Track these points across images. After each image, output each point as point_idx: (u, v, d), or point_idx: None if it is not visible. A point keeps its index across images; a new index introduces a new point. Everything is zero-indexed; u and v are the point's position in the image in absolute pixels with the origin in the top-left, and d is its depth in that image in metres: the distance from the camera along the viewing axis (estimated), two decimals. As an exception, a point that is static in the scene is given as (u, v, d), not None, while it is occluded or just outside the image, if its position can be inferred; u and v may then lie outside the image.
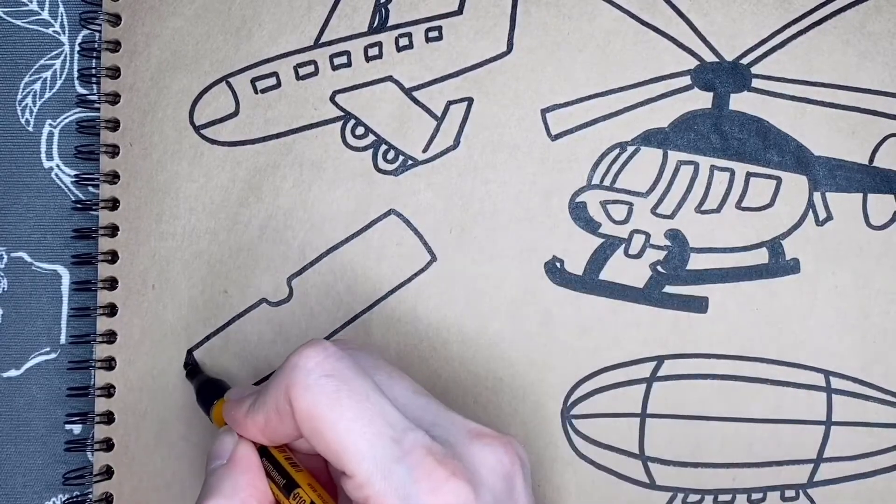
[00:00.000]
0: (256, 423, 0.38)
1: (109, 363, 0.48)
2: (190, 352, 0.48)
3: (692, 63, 0.47)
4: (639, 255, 0.47)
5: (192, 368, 0.47)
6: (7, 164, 0.50)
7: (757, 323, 0.47)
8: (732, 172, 0.47)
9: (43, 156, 0.50)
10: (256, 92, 0.48)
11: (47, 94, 0.50)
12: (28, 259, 0.49)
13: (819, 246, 0.47)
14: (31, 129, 0.50)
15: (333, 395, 0.35)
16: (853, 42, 0.47)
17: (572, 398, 0.47)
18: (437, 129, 0.48)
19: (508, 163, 0.47)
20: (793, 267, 0.47)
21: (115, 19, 0.48)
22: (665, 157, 0.47)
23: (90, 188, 0.49)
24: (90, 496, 0.48)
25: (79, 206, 0.49)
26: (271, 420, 0.37)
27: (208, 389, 0.44)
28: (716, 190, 0.47)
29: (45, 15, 0.50)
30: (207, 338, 0.48)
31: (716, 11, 0.47)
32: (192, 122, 0.48)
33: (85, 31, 0.50)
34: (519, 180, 0.47)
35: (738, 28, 0.47)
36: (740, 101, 0.47)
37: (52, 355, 0.49)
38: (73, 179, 0.49)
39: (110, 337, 0.48)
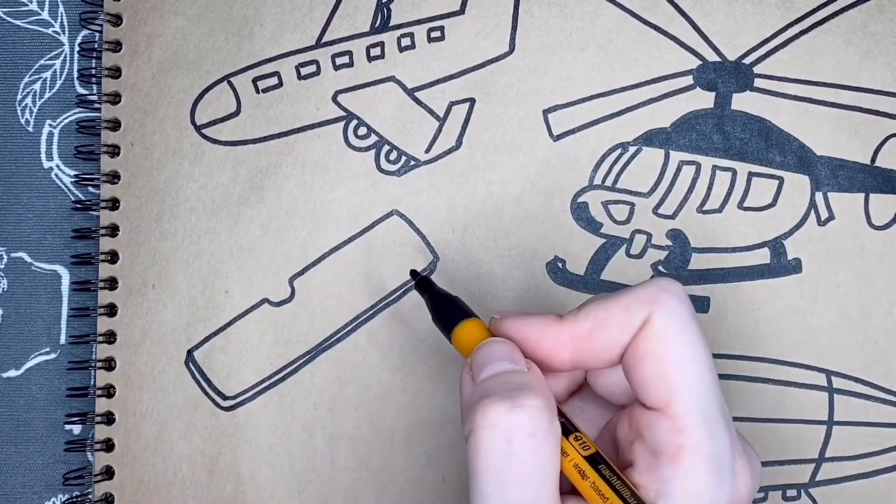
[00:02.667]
0: (577, 329, 0.36)
1: (109, 363, 0.48)
2: (414, 272, 0.43)
3: (694, 63, 0.47)
4: (640, 256, 0.47)
5: (421, 280, 0.42)
6: (7, 164, 0.49)
7: (759, 323, 0.47)
8: (734, 172, 0.47)
9: (43, 156, 0.50)
10: (258, 91, 0.48)
11: (47, 95, 0.50)
12: (28, 259, 0.49)
13: (821, 246, 0.47)
14: (30, 129, 0.50)
15: (695, 333, 0.34)
16: (855, 42, 0.47)
17: (574, 398, 0.47)
18: (439, 130, 0.48)
19: (510, 163, 0.47)
20: (795, 267, 0.47)
21: (117, 19, 0.48)
22: (667, 157, 0.47)
23: (90, 188, 0.49)
24: (90, 496, 0.48)
25: (78, 206, 0.49)
26: (604, 328, 0.35)
27: (447, 308, 0.40)
28: (718, 190, 0.47)
29: (45, 15, 0.50)
30: (208, 338, 0.48)
31: (718, 11, 0.47)
32: (193, 122, 0.48)
33: (85, 32, 0.50)
34: (521, 181, 0.47)
35: (740, 28, 0.47)
36: (742, 101, 0.47)
37: (52, 355, 0.49)
38: (73, 179, 0.49)
39: (110, 337, 0.48)
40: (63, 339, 0.49)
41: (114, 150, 0.48)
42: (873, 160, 0.47)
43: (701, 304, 0.47)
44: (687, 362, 0.34)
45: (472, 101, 0.48)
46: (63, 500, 0.49)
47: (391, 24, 0.48)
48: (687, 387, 0.34)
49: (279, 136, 0.48)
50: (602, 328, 0.35)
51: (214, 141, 0.48)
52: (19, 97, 0.50)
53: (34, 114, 0.50)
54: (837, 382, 0.47)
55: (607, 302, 0.35)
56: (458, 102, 0.48)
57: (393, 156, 0.48)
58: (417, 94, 0.48)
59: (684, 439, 0.33)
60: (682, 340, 0.34)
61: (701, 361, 0.34)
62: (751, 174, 0.47)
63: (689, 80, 0.47)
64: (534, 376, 0.35)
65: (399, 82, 0.48)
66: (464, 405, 0.35)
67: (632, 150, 0.47)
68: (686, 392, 0.34)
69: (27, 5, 0.50)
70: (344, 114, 0.48)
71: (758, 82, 0.47)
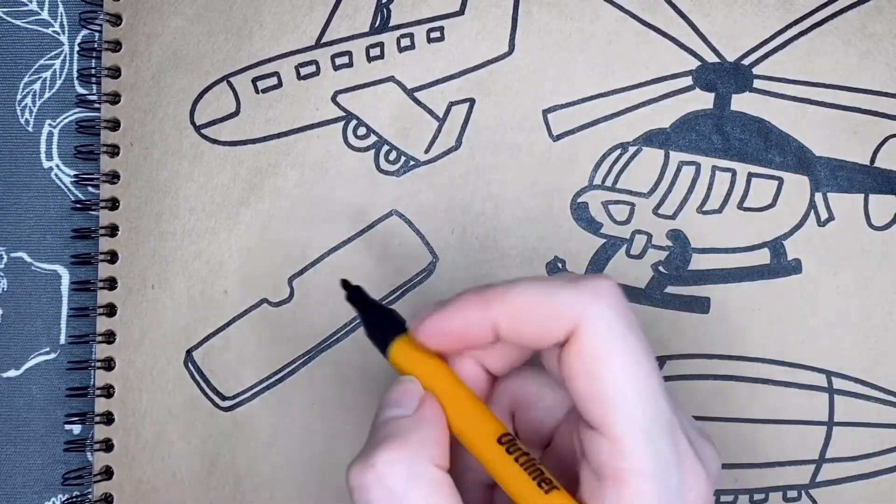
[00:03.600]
0: (501, 315, 0.33)
1: (109, 363, 0.48)
2: (346, 283, 0.40)
3: (694, 63, 0.47)
4: (640, 256, 0.47)
5: (353, 292, 0.40)
6: (7, 164, 0.49)
7: (759, 323, 0.47)
8: (734, 173, 0.47)
9: (42, 156, 0.50)
10: (257, 92, 0.48)
11: (47, 94, 0.50)
12: (28, 259, 0.49)
13: (821, 246, 0.47)
14: (30, 129, 0.50)
15: (634, 341, 0.32)
16: (854, 43, 0.47)
17: None
18: (438, 130, 0.48)
19: (510, 163, 0.47)
20: (794, 267, 0.47)
21: (116, 19, 0.48)
22: (667, 157, 0.47)
23: (90, 188, 0.49)
24: (90, 496, 0.48)
25: (78, 206, 0.49)
26: (526, 318, 0.32)
27: (382, 322, 0.38)
28: (717, 190, 0.47)
29: (45, 15, 0.50)
30: (207, 338, 0.48)
31: (717, 12, 0.47)
32: (192, 122, 0.48)
33: (84, 31, 0.50)
34: (520, 181, 0.47)
35: (739, 29, 0.47)
36: (742, 102, 0.47)
37: (52, 355, 0.49)
38: (73, 179, 0.49)
39: (110, 337, 0.48)
40: (63, 339, 0.49)
41: (113, 150, 0.48)
42: (872, 161, 0.47)
43: (701, 305, 0.47)
44: (624, 378, 0.31)
45: (471, 101, 0.48)
46: (63, 500, 0.49)
47: (391, 24, 0.48)
48: (625, 405, 0.31)
49: (279, 136, 0.48)
50: (524, 324, 0.33)
51: (214, 141, 0.48)
52: (19, 97, 0.49)
53: (34, 113, 0.50)
54: (838, 383, 0.47)
55: (534, 292, 0.33)
56: (457, 103, 0.48)
57: (392, 156, 0.48)
58: (417, 95, 0.48)
59: (626, 462, 0.31)
60: (616, 356, 0.31)
61: (641, 372, 0.31)
62: (750, 175, 0.47)
63: (688, 80, 0.47)
64: (412, 420, 0.34)
65: (399, 83, 0.48)
66: None
67: (632, 150, 0.47)
68: (625, 411, 0.31)
69: (27, 5, 0.50)
70: (343, 114, 0.48)
71: (757, 83, 0.47)
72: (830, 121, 0.47)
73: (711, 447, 0.34)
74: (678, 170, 0.47)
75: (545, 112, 0.47)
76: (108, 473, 0.47)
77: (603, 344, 0.31)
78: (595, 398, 0.31)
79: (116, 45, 0.48)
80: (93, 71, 0.49)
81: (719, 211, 0.47)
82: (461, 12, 0.48)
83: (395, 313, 0.38)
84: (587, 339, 0.31)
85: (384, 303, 0.47)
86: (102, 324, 0.48)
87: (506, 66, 0.48)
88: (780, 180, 0.47)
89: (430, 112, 0.48)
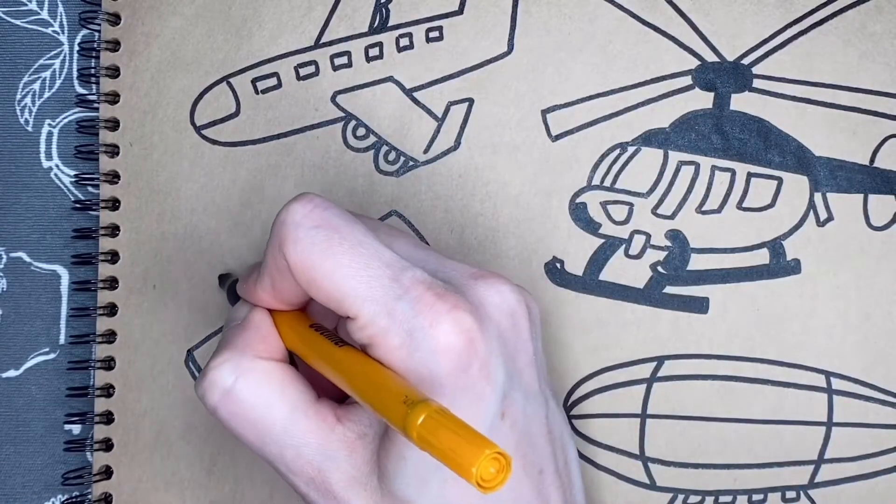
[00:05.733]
0: (265, 288, 0.38)
1: (109, 363, 0.48)
2: (222, 275, 0.48)
3: (693, 63, 0.47)
4: (639, 256, 0.47)
5: (223, 276, 0.48)
6: (6, 164, 0.49)
7: (758, 323, 0.47)
8: (733, 173, 0.47)
9: (42, 156, 0.50)
10: (257, 92, 0.48)
11: (46, 94, 0.50)
12: (27, 259, 0.49)
13: (820, 246, 0.47)
14: (30, 128, 0.50)
15: (324, 244, 0.35)
16: (854, 42, 0.47)
17: (572, 398, 0.47)
18: (437, 130, 0.48)
19: (509, 163, 0.47)
20: (794, 267, 0.47)
21: (115, 19, 0.48)
22: (666, 157, 0.47)
23: (89, 188, 0.49)
24: (89, 496, 0.48)
25: (78, 206, 0.49)
26: (275, 280, 0.37)
27: (235, 287, 0.44)
28: (717, 190, 0.47)
29: (45, 14, 0.50)
30: (208, 338, 0.48)
31: (717, 11, 0.47)
32: (192, 123, 0.48)
33: (84, 31, 0.50)
34: (519, 181, 0.47)
35: (739, 28, 0.47)
36: (741, 102, 0.47)
37: (52, 355, 0.49)
38: (73, 179, 0.49)
39: (110, 337, 0.48)
40: (62, 339, 0.49)
41: (113, 150, 0.48)
42: (872, 161, 0.47)
43: (700, 305, 0.47)
44: (331, 273, 0.35)
45: (470, 101, 0.48)
46: (62, 500, 0.49)
47: (390, 24, 0.48)
48: (345, 292, 0.35)
49: (278, 136, 0.48)
50: (276, 284, 0.38)
51: (214, 142, 0.48)
52: (18, 97, 0.50)
53: (33, 113, 0.50)
54: (837, 384, 0.47)
55: (265, 257, 0.38)
56: (456, 102, 0.48)
57: (392, 156, 0.48)
58: (416, 95, 0.48)
59: (368, 330, 0.35)
60: (315, 260, 0.35)
61: (345, 258, 0.35)
62: (750, 174, 0.47)
63: (687, 80, 0.47)
64: (239, 327, 0.39)
65: (397, 83, 0.48)
66: None
67: (630, 150, 0.47)
68: (347, 296, 0.35)
69: (26, 5, 0.50)
70: (343, 114, 0.48)
71: (756, 83, 0.47)
72: (830, 121, 0.47)
73: (495, 287, 0.38)
74: (677, 170, 0.47)
75: (544, 112, 0.47)
76: (107, 473, 0.48)
77: (302, 256, 0.35)
78: (328, 298, 0.35)
79: (115, 45, 0.48)
80: (93, 71, 0.49)
81: (718, 211, 0.47)
82: (460, 12, 0.48)
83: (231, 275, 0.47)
84: (291, 260, 0.36)
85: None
86: (103, 323, 0.48)
87: (505, 66, 0.48)
88: (780, 180, 0.47)
89: (429, 112, 0.48)
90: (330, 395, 0.39)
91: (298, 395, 0.38)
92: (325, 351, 0.37)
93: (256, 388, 0.37)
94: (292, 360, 0.40)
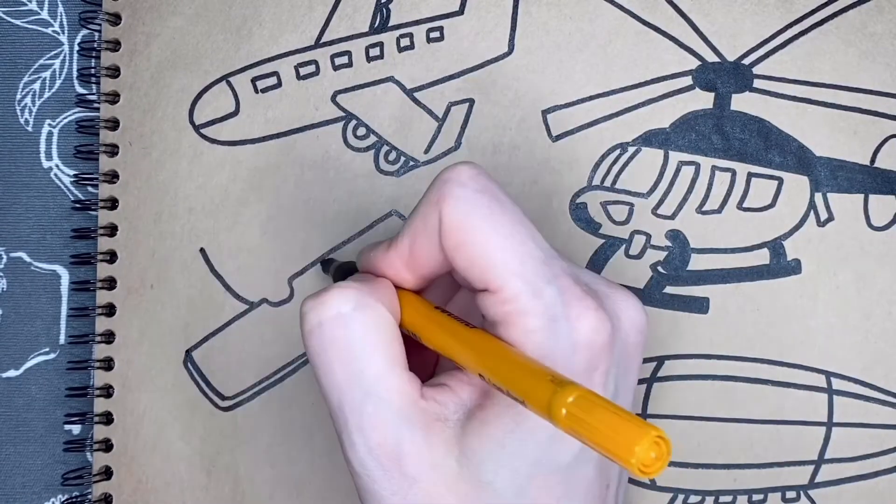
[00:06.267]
0: (400, 251, 0.37)
1: (108, 363, 0.48)
2: (325, 261, 0.47)
3: (693, 63, 0.47)
4: (639, 256, 0.47)
5: (326, 262, 0.47)
6: (6, 164, 0.49)
7: (758, 324, 0.47)
8: (734, 173, 0.47)
9: (42, 156, 0.50)
10: (257, 91, 0.48)
11: (46, 94, 0.50)
12: (27, 259, 0.49)
13: (820, 247, 0.47)
14: (30, 128, 0.50)
15: (487, 208, 0.35)
16: (854, 43, 0.47)
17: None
18: (438, 130, 0.48)
19: (509, 164, 0.47)
20: (794, 267, 0.47)
21: (115, 18, 0.48)
22: (666, 157, 0.47)
23: (89, 188, 0.49)
24: (89, 496, 0.48)
25: (78, 205, 0.49)
26: (416, 241, 0.36)
27: (345, 272, 0.43)
28: (717, 190, 0.47)
29: (45, 14, 0.50)
30: (206, 338, 0.48)
31: (717, 11, 0.47)
32: (192, 122, 0.48)
33: (84, 31, 0.50)
34: (520, 181, 0.47)
35: (739, 28, 0.47)
36: (742, 102, 0.47)
37: (52, 355, 0.49)
38: (73, 179, 0.49)
39: (109, 337, 0.48)
40: (62, 339, 0.49)
41: (112, 150, 0.48)
42: (872, 161, 0.47)
43: (700, 305, 0.47)
44: (487, 239, 0.35)
45: (471, 101, 0.48)
46: (62, 500, 0.49)
47: (390, 24, 0.48)
48: (495, 262, 0.34)
49: (278, 136, 0.48)
50: (415, 245, 0.37)
51: (213, 141, 0.48)
52: (19, 97, 0.49)
53: (33, 113, 0.49)
54: (837, 384, 0.47)
55: (411, 218, 0.37)
56: (457, 103, 0.48)
57: (392, 156, 0.48)
58: (416, 95, 0.48)
59: (509, 306, 0.34)
60: (474, 222, 0.35)
61: (503, 230, 0.35)
62: (750, 175, 0.47)
63: (688, 80, 0.47)
64: (367, 277, 0.38)
65: (398, 83, 0.48)
66: None
67: (631, 150, 0.47)
68: (496, 267, 0.34)
69: (26, 5, 0.50)
70: (343, 114, 0.48)
71: (757, 83, 0.47)
72: (830, 121, 0.47)
73: (632, 301, 0.38)
74: (677, 170, 0.47)
75: (544, 112, 0.47)
76: (107, 473, 0.47)
77: (462, 216, 0.35)
78: (472, 265, 0.35)
79: (115, 45, 0.48)
80: (93, 71, 0.49)
81: (719, 211, 0.47)
82: (461, 12, 0.48)
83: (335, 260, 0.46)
84: (447, 217, 0.35)
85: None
86: (101, 324, 0.48)
87: (505, 67, 0.48)
88: (780, 180, 0.47)
89: (430, 112, 0.48)
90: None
91: (400, 354, 0.36)
92: (454, 330, 0.36)
93: (371, 325, 0.36)
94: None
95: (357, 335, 0.35)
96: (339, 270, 0.44)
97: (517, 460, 0.35)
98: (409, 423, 0.35)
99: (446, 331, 0.36)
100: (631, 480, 0.47)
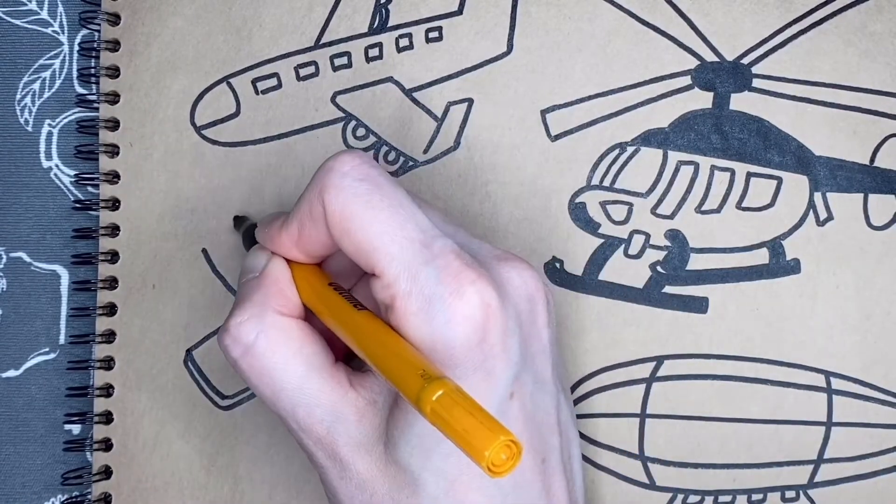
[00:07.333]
0: (290, 234, 0.39)
1: (108, 363, 0.48)
2: (238, 217, 0.48)
3: (693, 63, 0.47)
4: (638, 256, 0.47)
5: (239, 218, 0.48)
6: (6, 164, 0.49)
7: (757, 323, 0.47)
8: (733, 172, 0.47)
9: (42, 156, 0.50)
10: (257, 92, 0.48)
11: (46, 94, 0.50)
12: (27, 259, 0.49)
13: (820, 246, 0.47)
14: (30, 128, 0.50)
15: (366, 196, 0.36)
16: (854, 42, 0.47)
17: (571, 398, 0.47)
18: (437, 130, 0.48)
19: (508, 163, 0.47)
20: (793, 267, 0.47)
21: (115, 19, 0.48)
22: (665, 157, 0.47)
23: (89, 188, 0.49)
24: (89, 496, 0.48)
25: (78, 205, 0.49)
26: (304, 226, 0.38)
27: (252, 234, 0.44)
28: (716, 190, 0.47)
29: (45, 14, 0.50)
30: (207, 337, 0.48)
31: (716, 11, 0.47)
32: (192, 123, 0.48)
33: (84, 31, 0.50)
34: (519, 181, 0.47)
35: (738, 28, 0.47)
36: (741, 101, 0.47)
37: (52, 355, 0.49)
38: (73, 179, 0.49)
39: (109, 337, 0.48)
40: (62, 339, 0.49)
41: (113, 150, 0.48)
42: (872, 160, 0.47)
43: (699, 305, 0.47)
44: (368, 226, 0.36)
45: (470, 101, 0.48)
46: (62, 500, 0.49)
47: (389, 24, 0.48)
48: (376, 247, 0.36)
49: (278, 137, 0.48)
50: (304, 230, 0.38)
51: (214, 142, 0.48)
52: (18, 97, 0.50)
53: (33, 113, 0.50)
54: (836, 383, 0.47)
55: (298, 204, 0.38)
56: (456, 103, 0.48)
57: (391, 156, 0.48)
58: (416, 95, 0.48)
59: (392, 290, 0.36)
60: (355, 210, 0.36)
61: (383, 214, 0.36)
62: (749, 174, 0.47)
63: (687, 80, 0.47)
64: (258, 280, 0.40)
65: (397, 83, 0.48)
66: None
67: (630, 150, 0.47)
68: (377, 251, 0.36)
69: (26, 5, 0.50)
70: (343, 115, 0.48)
71: (756, 82, 0.47)
72: (830, 120, 0.47)
73: (517, 270, 0.38)
74: (676, 169, 0.47)
75: (543, 112, 0.47)
76: (107, 473, 0.48)
77: (343, 205, 0.36)
78: (358, 250, 0.36)
79: (115, 45, 0.48)
80: (93, 71, 0.49)
81: (718, 211, 0.47)
82: (459, 12, 0.48)
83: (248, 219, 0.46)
84: (330, 206, 0.36)
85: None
86: (102, 323, 0.48)
87: (504, 66, 0.48)
88: (779, 180, 0.47)
89: (429, 112, 0.48)
90: (343, 351, 0.40)
91: (315, 355, 0.38)
92: (343, 313, 0.37)
93: (276, 345, 0.38)
94: (307, 313, 0.40)
95: (267, 360, 0.38)
96: (248, 232, 0.45)
97: (427, 442, 0.36)
98: (339, 417, 0.38)
99: (335, 313, 0.37)
100: (630, 480, 0.47)
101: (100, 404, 0.48)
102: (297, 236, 0.39)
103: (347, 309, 0.37)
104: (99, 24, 0.49)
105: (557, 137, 0.47)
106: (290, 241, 0.39)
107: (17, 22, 0.50)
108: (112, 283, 0.48)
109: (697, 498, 0.47)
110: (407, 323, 0.35)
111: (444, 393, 0.30)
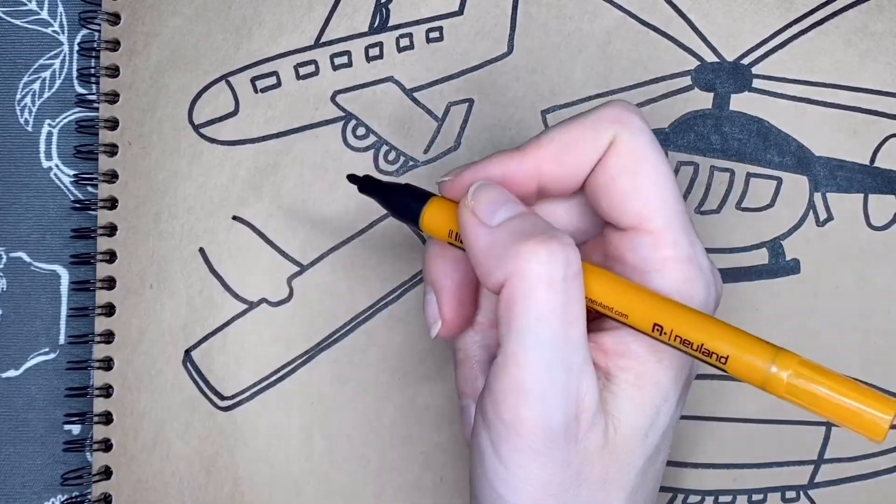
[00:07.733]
0: (543, 155, 0.35)
1: (107, 363, 0.48)
2: (353, 176, 0.39)
3: (693, 63, 0.47)
4: (639, 256, 0.47)
5: (364, 183, 0.39)
6: (6, 163, 0.49)
7: (757, 323, 0.47)
8: (733, 173, 0.47)
9: (42, 155, 0.50)
10: (256, 91, 0.48)
11: (46, 94, 0.50)
12: (27, 259, 0.49)
13: (819, 246, 0.47)
14: (30, 128, 0.50)
15: (660, 151, 0.34)
16: (854, 42, 0.47)
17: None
18: (437, 130, 0.48)
19: (509, 163, 0.47)
20: (793, 267, 0.47)
21: (115, 18, 0.48)
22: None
23: (89, 188, 0.49)
24: (89, 496, 0.48)
25: (78, 205, 0.49)
26: (572, 148, 0.35)
27: (403, 198, 0.37)
28: (716, 190, 0.47)
29: (45, 14, 0.50)
30: (206, 337, 0.48)
31: (716, 11, 0.47)
32: (191, 121, 0.48)
33: (84, 31, 0.50)
34: (519, 180, 0.47)
35: (738, 28, 0.47)
36: (741, 102, 0.47)
37: (51, 355, 0.49)
38: (72, 179, 0.49)
39: (108, 337, 0.48)
40: (62, 339, 0.49)
41: (112, 150, 0.48)
42: (872, 160, 0.47)
43: (699, 305, 0.47)
44: (659, 176, 0.34)
45: (470, 101, 0.48)
46: (62, 500, 0.49)
47: (390, 24, 0.48)
48: (663, 200, 0.34)
49: (277, 135, 0.48)
50: (569, 150, 0.35)
51: (213, 140, 0.48)
52: (18, 97, 0.49)
53: (33, 113, 0.50)
54: (836, 383, 0.47)
55: (570, 125, 0.35)
56: (456, 103, 0.48)
57: (391, 156, 0.48)
58: (416, 95, 0.48)
59: (669, 251, 0.34)
60: (651, 156, 0.34)
61: (670, 176, 0.34)
62: (749, 175, 0.47)
63: (687, 80, 0.47)
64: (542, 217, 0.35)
65: (398, 83, 0.48)
66: (485, 251, 0.33)
67: (630, 150, 0.47)
68: (663, 205, 0.34)
69: (26, 5, 0.50)
70: (342, 114, 0.48)
71: (756, 83, 0.47)
72: (830, 120, 0.47)
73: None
74: (676, 170, 0.47)
75: (544, 112, 0.47)
76: (106, 473, 0.48)
77: (642, 146, 0.34)
78: (636, 195, 0.34)
79: (115, 45, 0.48)
80: (92, 70, 0.49)
81: (717, 211, 0.47)
82: (460, 12, 0.48)
83: (412, 186, 0.38)
84: (628, 140, 0.34)
85: (382, 303, 0.47)
86: (101, 324, 0.48)
87: (505, 67, 0.48)
88: (779, 180, 0.47)
89: (430, 112, 0.48)
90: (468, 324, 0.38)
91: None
92: (633, 286, 0.33)
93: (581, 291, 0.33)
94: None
95: (576, 298, 0.32)
96: (396, 198, 0.38)
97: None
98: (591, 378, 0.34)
99: (628, 287, 0.33)
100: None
101: (99, 404, 0.48)
102: (551, 159, 0.35)
103: (648, 293, 0.33)
104: (99, 24, 0.48)
105: (558, 137, 0.47)
106: (533, 167, 0.35)
107: (17, 22, 0.50)
108: (110, 283, 0.48)
109: (698, 498, 0.47)
110: (682, 289, 0.33)
111: (801, 361, 0.30)
